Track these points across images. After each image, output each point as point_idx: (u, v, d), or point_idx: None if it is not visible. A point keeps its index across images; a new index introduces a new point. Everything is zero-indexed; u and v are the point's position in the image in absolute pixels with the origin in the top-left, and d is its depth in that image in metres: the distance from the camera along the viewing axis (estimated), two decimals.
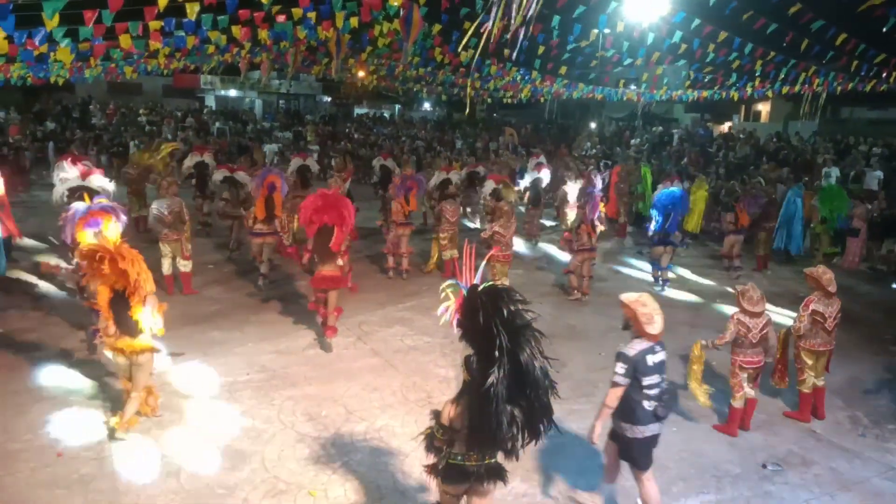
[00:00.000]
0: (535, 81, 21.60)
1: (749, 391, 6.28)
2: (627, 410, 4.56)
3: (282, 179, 10.49)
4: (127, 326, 5.74)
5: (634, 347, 4.58)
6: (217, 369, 7.33)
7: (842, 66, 17.81)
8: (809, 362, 6.57)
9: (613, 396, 4.57)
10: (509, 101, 30.57)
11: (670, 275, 11.70)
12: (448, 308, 3.90)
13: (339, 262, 8.04)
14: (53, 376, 6.99)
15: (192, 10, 10.04)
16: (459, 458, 3.85)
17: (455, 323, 3.85)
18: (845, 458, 5.96)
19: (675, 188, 11.44)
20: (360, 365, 7.58)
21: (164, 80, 35.17)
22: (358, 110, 44.32)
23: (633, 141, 30.09)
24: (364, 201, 13.85)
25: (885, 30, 13.92)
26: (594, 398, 6.96)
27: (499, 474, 3.95)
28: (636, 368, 4.52)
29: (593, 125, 37.69)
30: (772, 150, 23.11)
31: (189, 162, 13.82)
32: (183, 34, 12.50)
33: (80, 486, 5.09)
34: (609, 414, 4.62)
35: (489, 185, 12.02)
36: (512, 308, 3.67)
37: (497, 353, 3.53)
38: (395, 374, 7.32)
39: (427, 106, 47.65)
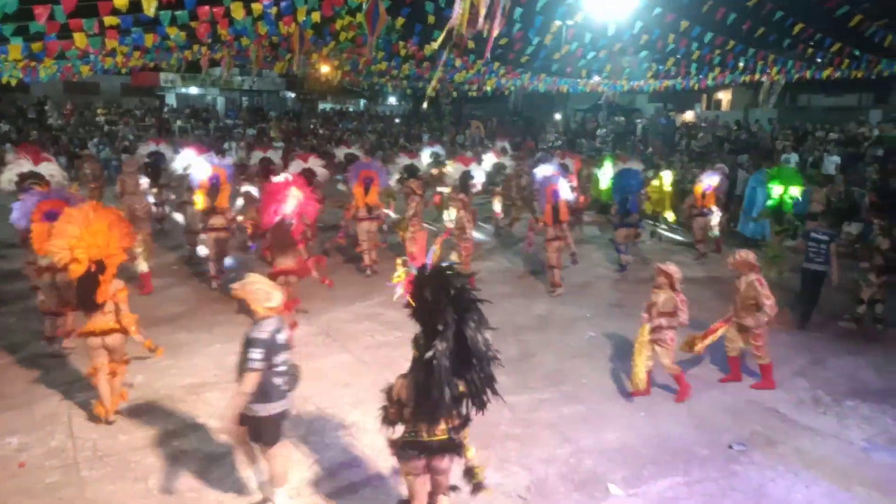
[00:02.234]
0: (499, 74, 21.64)
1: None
2: (260, 391, 4.46)
3: (227, 172, 10.37)
4: (93, 307, 5.84)
5: (265, 329, 4.48)
6: (185, 371, 7.23)
7: (798, 55, 18.22)
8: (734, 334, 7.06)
9: (251, 382, 4.40)
10: (475, 94, 30.63)
11: (630, 258, 11.90)
12: (400, 286, 4.10)
13: (297, 253, 8.07)
14: (13, 384, 6.82)
15: (150, 7, 9.81)
16: (414, 434, 4.04)
17: (405, 303, 4.05)
18: (808, 437, 6.12)
19: (628, 167, 11.79)
20: (330, 362, 7.54)
21: (123, 79, 34.37)
22: (323, 106, 43.93)
23: (598, 132, 30.35)
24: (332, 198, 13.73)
25: (837, 16, 14.24)
26: (564, 387, 7.05)
27: (453, 449, 4.10)
28: (270, 349, 4.46)
29: (558, 117, 37.92)
30: (733, 139, 23.52)
31: (143, 150, 13.58)
32: (141, 31, 12.22)
33: (47, 495, 4.98)
34: (246, 400, 4.47)
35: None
36: (458, 286, 3.90)
37: (442, 328, 3.76)
38: (366, 371, 7.30)
39: (393, 100, 47.45)
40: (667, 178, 14.05)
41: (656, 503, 5.07)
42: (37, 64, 16.11)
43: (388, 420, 4.16)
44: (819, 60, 19.13)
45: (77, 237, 5.79)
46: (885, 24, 16.35)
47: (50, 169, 9.16)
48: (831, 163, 17.67)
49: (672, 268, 6.61)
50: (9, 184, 8.98)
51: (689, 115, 36.57)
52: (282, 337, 4.59)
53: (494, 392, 3.95)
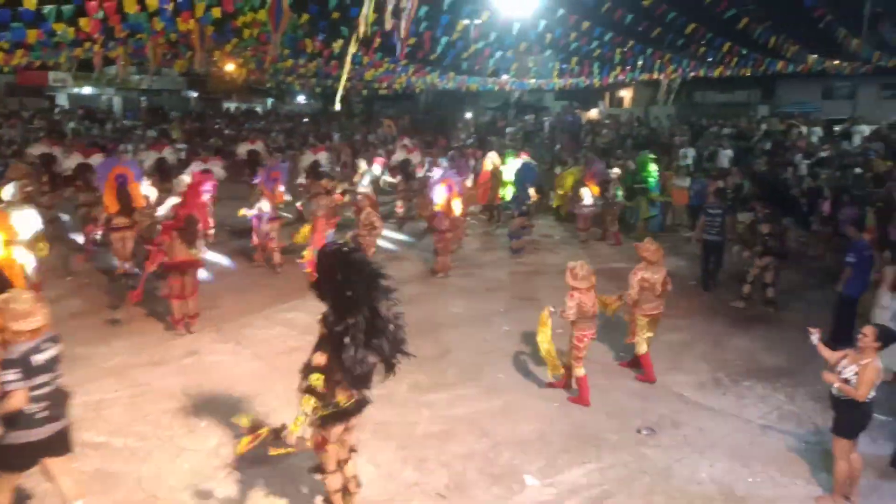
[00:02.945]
0: (408, 72, 21.64)
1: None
2: (8, 416, 4.11)
3: (134, 170, 9.93)
4: None
5: (17, 350, 4.17)
6: (83, 387, 6.78)
7: (692, 54, 19.20)
8: (643, 325, 7.15)
9: (11, 403, 4.07)
10: (385, 92, 30.49)
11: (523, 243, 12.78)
12: (307, 268, 4.31)
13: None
14: None
15: (31, 1, 9.19)
16: (335, 406, 4.29)
17: (312, 283, 4.31)
18: (710, 417, 6.44)
19: (522, 159, 13.51)
20: (241, 371, 7.29)
21: (7, 78, 32.07)
22: (227, 105, 42.53)
23: (507, 129, 30.89)
24: (242, 200, 13.30)
25: (726, 18, 15.10)
26: (481, 382, 7.13)
27: (366, 404, 4.50)
28: (26, 370, 4.13)
29: (469, 115, 38.35)
30: (635, 134, 24.52)
31: (35, 151, 12.74)
32: (23, 27, 11.43)
33: None
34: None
35: None
36: (363, 262, 4.23)
37: (353, 304, 4.05)
38: (279, 377, 7.07)
39: (301, 99, 46.55)
40: (570, 175, 15.01)
41: (571, 491, 5.20)
42: None
43: (320, 395, 4.23)
44: (711, 60, 20.23)
45: None
46: (769, 26, 17.51)
47: None
48: (725, 156, 18.73)
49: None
50: None
51: (593, 113, 37.87)
52: (40, 358, 4.24)
53: (405, 354, 4.32)
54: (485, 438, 5.94)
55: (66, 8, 10.92)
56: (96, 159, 11.32)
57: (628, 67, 21.55)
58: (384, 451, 5.68)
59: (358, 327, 4.05)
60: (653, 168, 14.18)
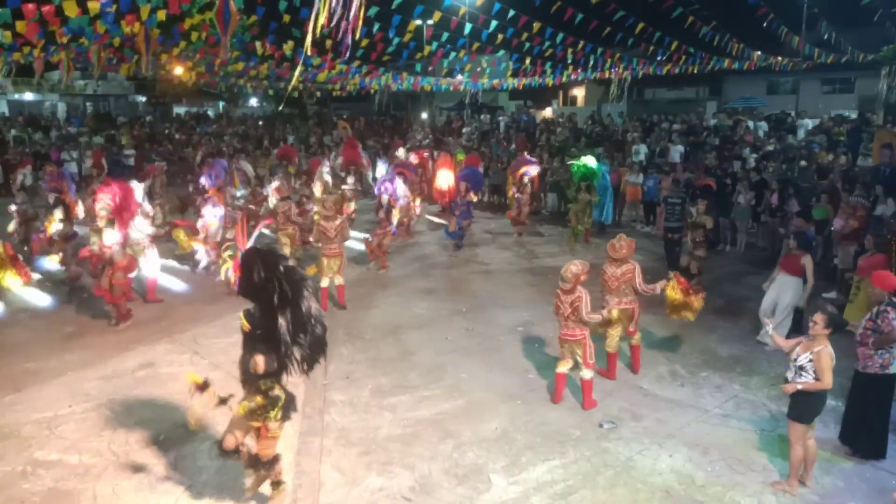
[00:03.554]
0: (361, 73, 21.50)
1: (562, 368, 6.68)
2: None
3: (70, 186, 9.78)
4: None
5: None
6: (33, 404, 6.57)
7: (642, 52, 19.59)
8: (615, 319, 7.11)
9: None
10: (339, 93, 30.22)
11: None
12: (230, 272, 4.63)
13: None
14: None
15: None
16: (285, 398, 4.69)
17: (236, 283, 4.63)
18: (669, 409, 6.56)
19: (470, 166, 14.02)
20: None
21: None
22: (177, 109, 41.59)
23: (463, 129, 30.96)
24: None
25: (673, 17, 15.43)
26: (444, 382, 7.12)
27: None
28: None
29: (425, 116, 38.32)
30: (588, 132, 24.82)
31: None
32: None
33: None
34: None
35: None
36: (288, 264, 4.53)
37: (279, 303, 4.35)
38: (238, 386, 6.96)
39: (254, 101, 45.82)
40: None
41: (536, 488, 5.23)
42: None
43: (277, 397, 4.63)
44: (660, 58, 20.66)
45: None
46: (715, 25, 17.97)
47: None
48: (676, 151, 19.10)
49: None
50: None
51: (547, 112, 38.23)
52: None
53: (324, 353, 4.70)
54: (449, 439, 5.94)
55: (2, 11, 10.51)
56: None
57: (580, 67, 21.86)
58: (347, 457, 5.64)
59: (287, 327, 4.39)
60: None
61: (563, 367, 6.63)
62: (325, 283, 9.31)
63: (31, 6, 10.58)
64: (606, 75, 24.26)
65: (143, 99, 41.82)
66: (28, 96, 36.59)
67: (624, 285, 7.05)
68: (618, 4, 15.55)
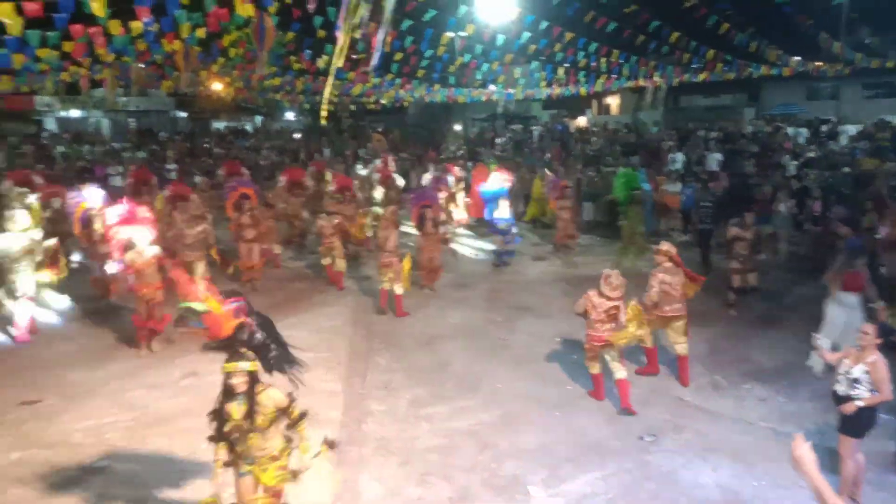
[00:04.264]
0: (396, 87, 21.71)
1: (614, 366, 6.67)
2: None
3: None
4: None
5: None
6: (81, 413, 6.74)
7: (677, 60, 19.41)
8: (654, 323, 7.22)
9: None
10: (373, 107, 30.55)
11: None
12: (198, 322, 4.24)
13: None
14: None
15: (16, 27, 9.16)
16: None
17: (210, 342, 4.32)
18: (711, 421, 6.44)
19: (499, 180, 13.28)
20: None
21: None
22: (216, 124, 42.47)
23: (497, 140, 31.00)
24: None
25: (708, 25, 15.28)
26: (480, 393, 7.10)
27: None
28: None
29: (458, 127, 38.47)
30: (623, 141, 24.66)
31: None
32: (6, 52, 11.38)
33: None
34: None
35: None
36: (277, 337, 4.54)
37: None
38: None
39: (291, 115, 46.54)
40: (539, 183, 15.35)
41: (576, 500, 5.18)
42: None
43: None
44: (696, 66, 20.44)
45: None
46: (751, 31, 17.72)
47: None
48: (714, 160, 18.84)
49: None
50: None
51: (581, 121, 38.06)
52: None
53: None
54: (487, 450, 5.92)
55: (51, 34, 10.89)
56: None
57: (614, 76, 21.73)
58: (387, 468, 5.66)
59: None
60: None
61: (596, 370, 6.77)
62: (385, 286, 9.72)
63: (78, 27, 10.93)
64: (640, 83, 24.08)
65: (184, 114, 42.79)
66: (74, 113, 37.69)
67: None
68: (651, 14, 15.46)
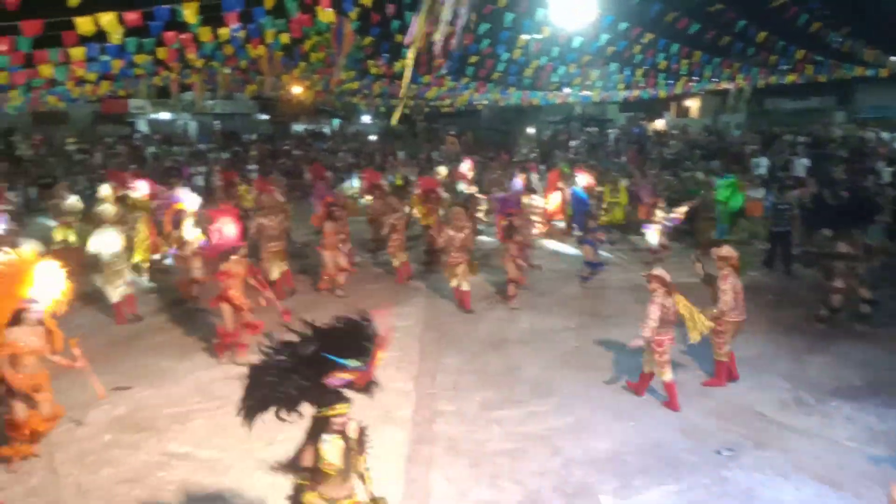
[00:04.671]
0: (469, 89, 21.78)
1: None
2: None
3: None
4: None
5: None
6: (167, 399, 7.10)
7: (763, 61, 18.65)
8: (730, 334, 7.16)
9: None
10: (448, 109, 30.75)
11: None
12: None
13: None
14: None
15: (116, 34, 9.72)
16: None
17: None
18: (794, 438, 6.16)
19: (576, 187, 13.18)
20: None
21: (93, 107, 33.93)
22: (296, 127, 43.77)
23: (571, 143, 30.66)
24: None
25: (798, 24, 14.62)
26: (552, 399, 7.04)
27: None
28: None
29: (531, 130, 38.25)
30: (704, 145, 23.93)
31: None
32: (108, 59, 12.11)
33: None
34: None
35: None
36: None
37: None
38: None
39: (367, 119, 47.45)
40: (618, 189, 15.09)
41: None
42: (3, 95, 15.89)
43: None
44: (784, 67, 19.59)
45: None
46: (846, 31, 16.83)
47: None
48: (801, 165, 18.03)
49: (659, 271, 6.83)
50: None
51: (659, 124, 37.14)
52: None
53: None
54: (557, 456, 5.87)
55: (147, 41, 11.50)
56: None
57: (695, 78, 21.10)
58: (456, 468, 5.69)
59: None
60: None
61: (670, 376, 6.80)
62: (454, 283, 10.02)
63: (171, 34, 11.51)
64: (723, 86, 23.28)
65: (266, 117, 44.30)
66: (164, 116, 39.65)
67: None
68: (738, 13, 14.91)
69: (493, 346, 8.65)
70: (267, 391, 3.88)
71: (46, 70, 11.00)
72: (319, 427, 3.87)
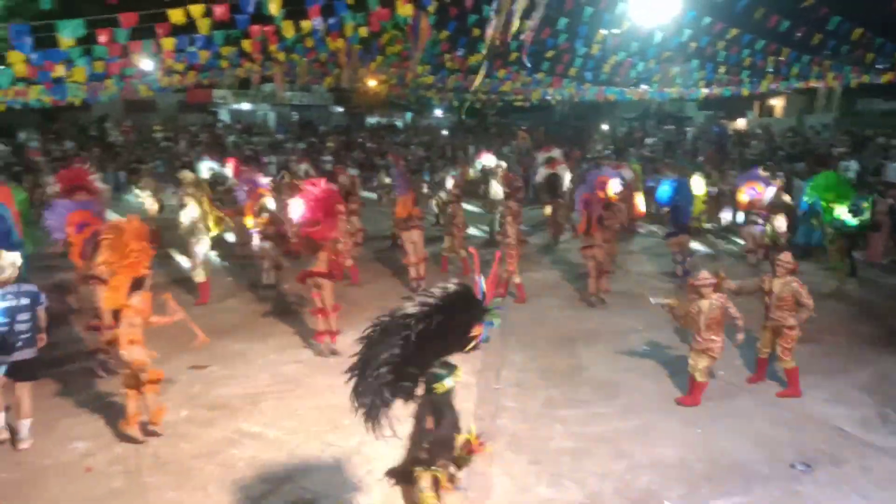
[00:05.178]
0: (544, 85, 21.56)
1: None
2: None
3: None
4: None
5: None
6: (241, 380, 7.39)
7: (857, 59, 17.66)
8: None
9: None
10: (521, 104, 30.56)
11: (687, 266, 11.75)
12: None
13: (324, 256, 8.07)
14: (80, 393, 7.07)
15: (205, 26, 10.13)
16: None
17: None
18: (876, 456, 5.85)
19: (671, 179, 12.15)
20: None
21: (179, 96, 35.47)
22: (370, 119, 44.47)
23: (646, 140, 29.94)
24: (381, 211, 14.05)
25: None
26: (617, 400, 6.94)
27: None
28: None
29: (605, 126, 37.56)
30: (788, 146, 22.93)
31: (204, 167, 14.42)
32: (195, 50, 12.62)
33: (111, 501, 5.15)
34: None
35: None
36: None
37: None
38: None
39: (439, 112, 47.71)
40: (699, 186, 14.28)
41: None
42: (97, 84, 16.80)
43: None
44: (879, 67, 18.50)
45: (110, 255, 6.03)
46: None
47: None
48: (893, 170, 17.03)
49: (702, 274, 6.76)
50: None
51: (740, 123, 35.78)
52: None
53: None
54: (622, 459, 5.78)
55: (234, 31, 11.93)
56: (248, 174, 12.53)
57: (781, 76, 20.19)
58: (517, 464, 5.69)
59: None
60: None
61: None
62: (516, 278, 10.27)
63: (255, 27, 11.90)
64: (811, 85, 22.18)
65: (341, 109, 45.20)
66: (245, 106, 41.04)
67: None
68: (830, 7, 14.15)
69: (560, 344, 8.58)
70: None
71: (139, 60, 11.57)
72: (444, 400, 3.83)
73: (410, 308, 3.62)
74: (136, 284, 5.97)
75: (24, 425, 5.91)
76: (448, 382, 3.79)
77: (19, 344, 5.84)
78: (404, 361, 3.61)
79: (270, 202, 10.87)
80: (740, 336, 6.63)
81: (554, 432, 6.27)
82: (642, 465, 5.67)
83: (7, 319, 5.77)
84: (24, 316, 5.88)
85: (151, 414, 6.04)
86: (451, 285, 3.75)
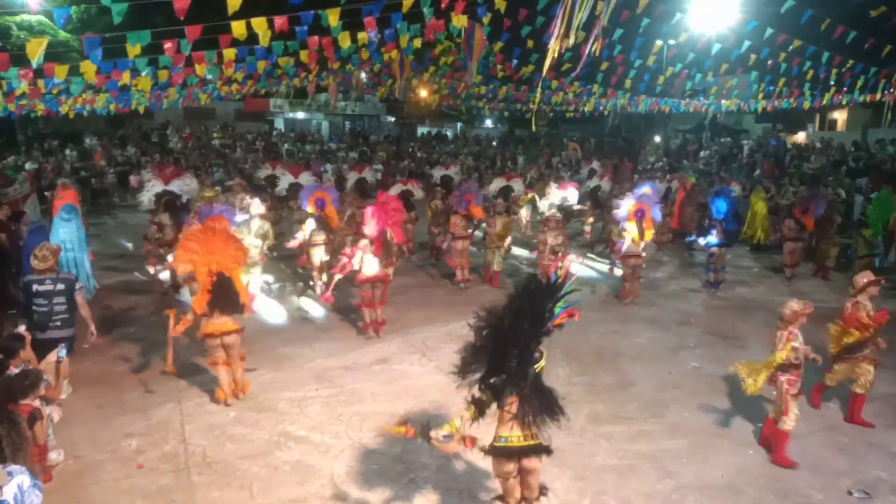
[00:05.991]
0: (597, 95, 21.38)
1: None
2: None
3: (332, 195, 11.25)
4: (225, 306, 6.78)
5: (26, 277, 6.99)
6: (288, 384, 7.52)
7: None
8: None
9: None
10: (572, 115, 30.36)
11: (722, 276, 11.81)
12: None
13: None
14: (133, 391, 7.31)
15: (265, 38, 10.39)
16: (504, 440, 4.40)
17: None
18: None
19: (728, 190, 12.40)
20: (425, 382, 7.62)
21: (236, 105, 36.53)
22: (421, 129, 44.86)
23: (701, 153, 29.32)
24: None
25: None
26: (664, 419, 6.79)
27: (542, 449, 4.42)
28: (26, 291, 6.82)
29: (658, 138, 36.95)
30: (851, 161, 22.10)
31: (261, 174, 14.81)
32: (254, 60, 12.97)
33: (160, 497, 5.30)
34: None
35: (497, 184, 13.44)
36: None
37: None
38: (459, 394, 7.29)
39: (489, 123, 47.79)
40: (758, 201, 14.20)
41: None
42: (161, 93, 17.45)
43: (480, 406, 4.66)
44: None
45: (196, 252, 6.65)
46: None
47: (181, 185, 10.84)
48: None
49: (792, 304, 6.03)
50: (149, 203, 10.80)
51: (800, 136, 34.73)
52: (40, 287, 6.74)
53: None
54: (668, 479, 5.65)
55: (291, 44, 12.20)
56: (305, 178, 12.90)
57: (845, 89, 19.51)
58: (561, 480, 5.61)
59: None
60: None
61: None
62: None
63: (313, 38, 12.15)
64: (878, 97, 21.37)
65: (392, 119, 45.77)
66: (300, 115, 41.97)
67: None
68: None
69: (606, 359, 8.46)
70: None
71: (201, 69, 11.94)
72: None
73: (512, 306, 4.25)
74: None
75: (62, 384, 6.12)
76: (542, 363, 4.42)
77: (57, 324, 6.78)
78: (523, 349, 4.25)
79: (310, 224, 10.98)
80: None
81: (599, 448, 6.17)
82: (689, 486, 5.53)
83: (46, 301, 6.73)
84: (60, 299, 6.80)
85: (240, 386, 6.99)
86: (529, 282, 4.40)
